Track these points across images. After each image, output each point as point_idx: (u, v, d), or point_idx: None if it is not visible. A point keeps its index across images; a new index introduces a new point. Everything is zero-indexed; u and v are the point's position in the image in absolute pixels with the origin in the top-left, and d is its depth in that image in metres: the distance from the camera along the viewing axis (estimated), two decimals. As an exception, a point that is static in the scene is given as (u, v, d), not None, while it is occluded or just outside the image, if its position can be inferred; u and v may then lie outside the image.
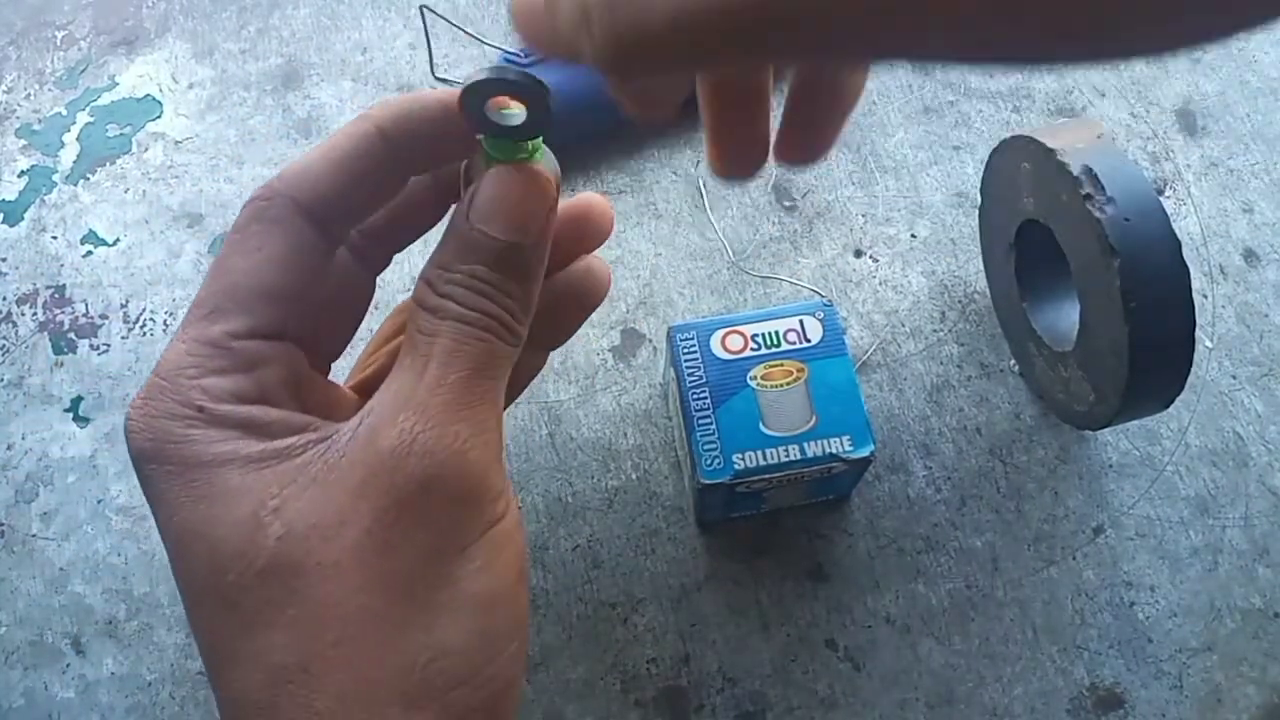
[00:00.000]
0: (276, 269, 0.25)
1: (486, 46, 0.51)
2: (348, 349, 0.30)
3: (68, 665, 0.40)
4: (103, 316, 0.46)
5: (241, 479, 0.23)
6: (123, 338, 0.46)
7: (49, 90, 0.51)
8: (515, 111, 0.25)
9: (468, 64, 0.51)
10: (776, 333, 0.38)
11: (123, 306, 0.46)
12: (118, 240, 0.48)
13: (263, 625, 0.22)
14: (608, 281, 0.31)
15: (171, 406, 0.24)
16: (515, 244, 0.25)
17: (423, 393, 0.24)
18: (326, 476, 0.23)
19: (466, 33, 0.29)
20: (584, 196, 0.30)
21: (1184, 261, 0.34)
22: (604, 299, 0.31)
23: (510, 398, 0.31)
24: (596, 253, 0.32)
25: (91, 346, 0.45)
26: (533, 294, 0.26)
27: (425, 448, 0.23)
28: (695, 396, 0.37)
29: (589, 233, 0.31)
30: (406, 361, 0.25)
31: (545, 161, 0.26)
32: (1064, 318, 0.41)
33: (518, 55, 0.47)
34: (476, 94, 0.24)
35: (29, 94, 0.51)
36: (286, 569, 0.22)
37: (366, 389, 0.29)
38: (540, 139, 0.26)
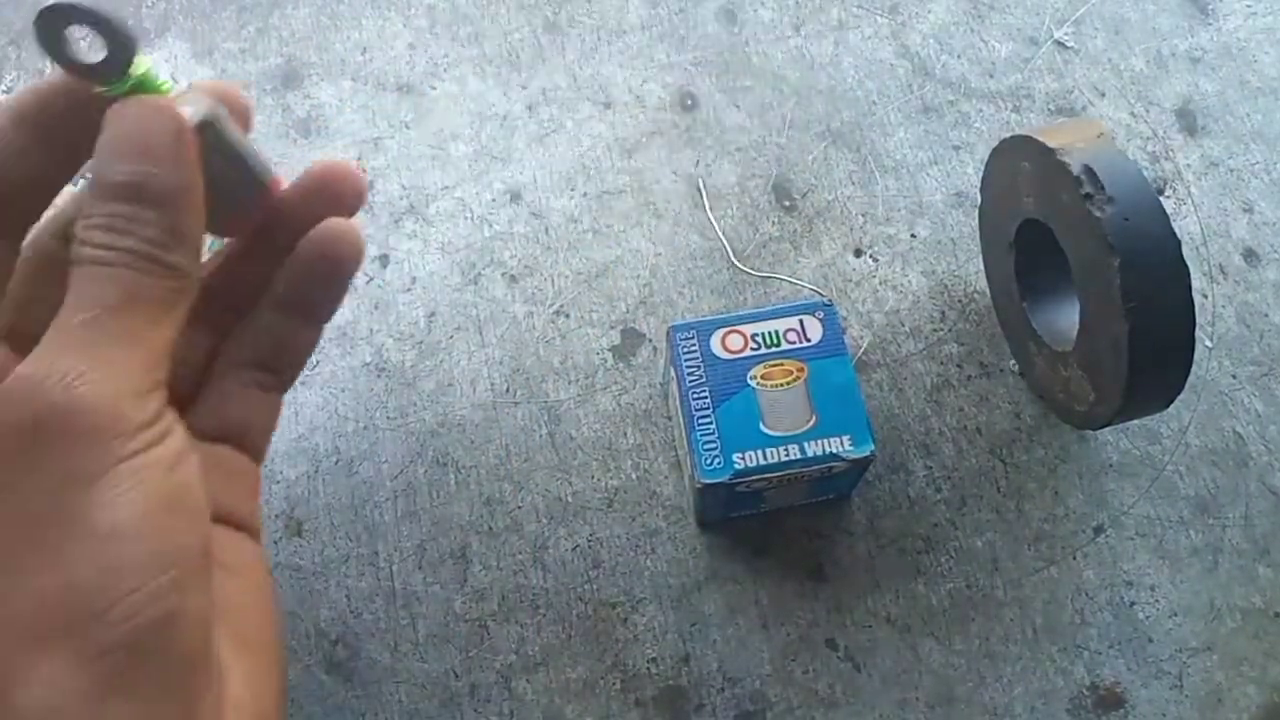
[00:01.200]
0: None
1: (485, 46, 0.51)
2: None
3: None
4: (102, 316, 0.46)
5: None
6: (122, 337, 0.46)
7: (49, 90, 0.51)
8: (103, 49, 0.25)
9: (466, 64, 0.51)
10: (776, 332, 0.38)
11: (122, 306, 0.46)
12: (117, 240, 0.48)
13: None
14: (356, 243, 0.30)
15: None
16: (142, 171, 0.25)
17: (45, 338, 0.24)
18: None
19: None
20: (325, 160, 0.30)
21: (1184, 261, 0.34)
22: (358, 262, 0.30)
23: (289, 376, 0.31)
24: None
25: (91, 346, 0.45)
26: (181, 221, 0.25)
27: (28, 387, 0.23)
28: (695, 396, 0.37)
29: (332, 196, 0.30)
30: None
31: (195, 105, 0.26)
32: (1064, 317, 0.41)
33: None
34: (48, 25, 0.25)
35: (29, 94, 0.51)
36: None
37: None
38: (150, 70, 0.26)
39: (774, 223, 0.48)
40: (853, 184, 0.48)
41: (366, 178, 0.30)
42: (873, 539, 0.41)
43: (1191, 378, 0.37)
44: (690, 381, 0.37)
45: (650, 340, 0.45)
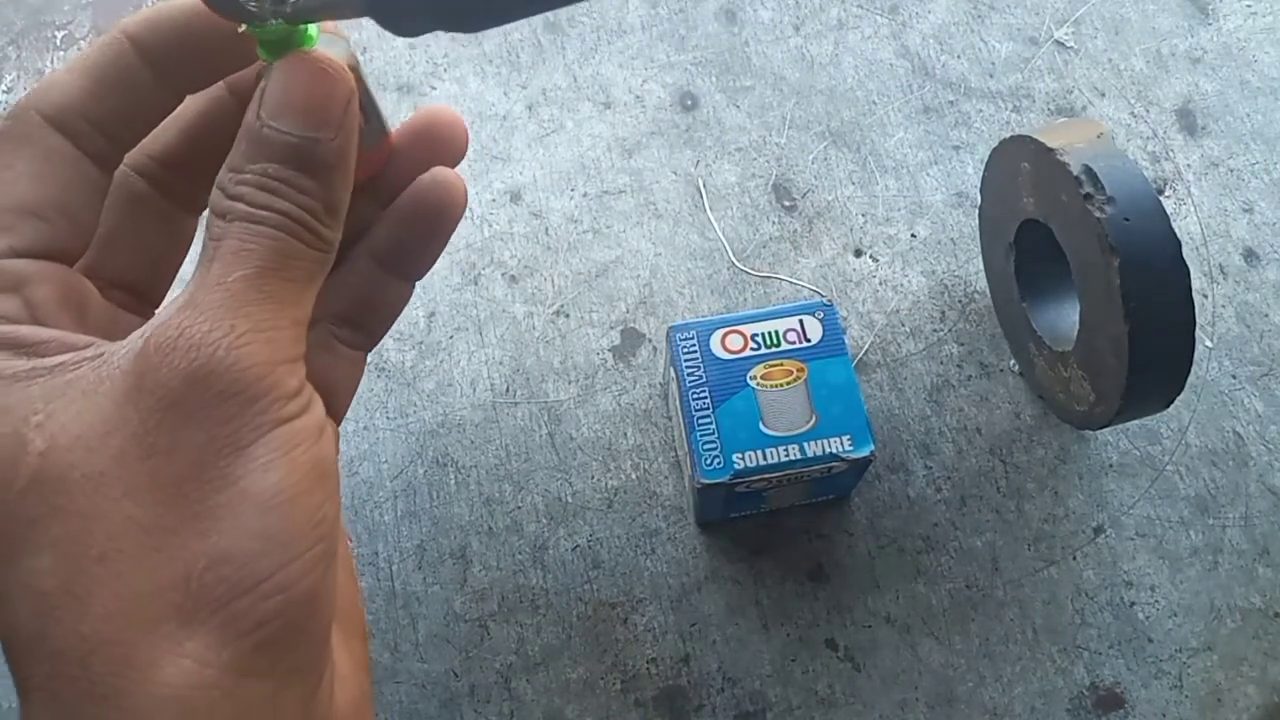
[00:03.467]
0: (31, 185, 0.24)
1: None
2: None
3: (68, 665, 0.40)
4: (103, 316, 0.46)
5: (3, 397, 0.22)
6: (123, 337, 0.46)
7: (49, 90, 0.51)
8: None
9: (466, 64, 0.51)
10: (776, 332, 0.38)
11: (123, 306, 0.46)
12: (118, 240, 0.48)
13: (29, 549, 0.21)
14: (462, 194, 0.29)
15: None
16: (310, 138, 0.24)
17: (200, 293, 0.23)
18: (98, 388, 0.22)
19: None
20: (430, 107, 0.29)
21: (1184, 261, 0.34)
22: (460, 214, 0.29)
23: (376, 334, 0.30)
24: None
25: (91, 346, 0.45)
26: (337, 193, 0.24)
27: (192, 341, 0.22)
28: (695, 396, 0.37)
29: (438, 145, 0.29)
30: (195, 271, 0.23)
31: (336, 49, 0.25)
32: (1064, 317, 0.41)
33: None
34: None
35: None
36: (49, 485, 0.21)
37: None
38: (313, 24, 0.25)
39: (774, 223, 0.48)
40: (853, 184, 0.48)
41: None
42: (873, 539, 0.41)
43: (1191, 378, 0.37)
44: (690, 382, 0.37)
45: (650, 340, 0.45)
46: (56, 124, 0.24)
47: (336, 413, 0.29)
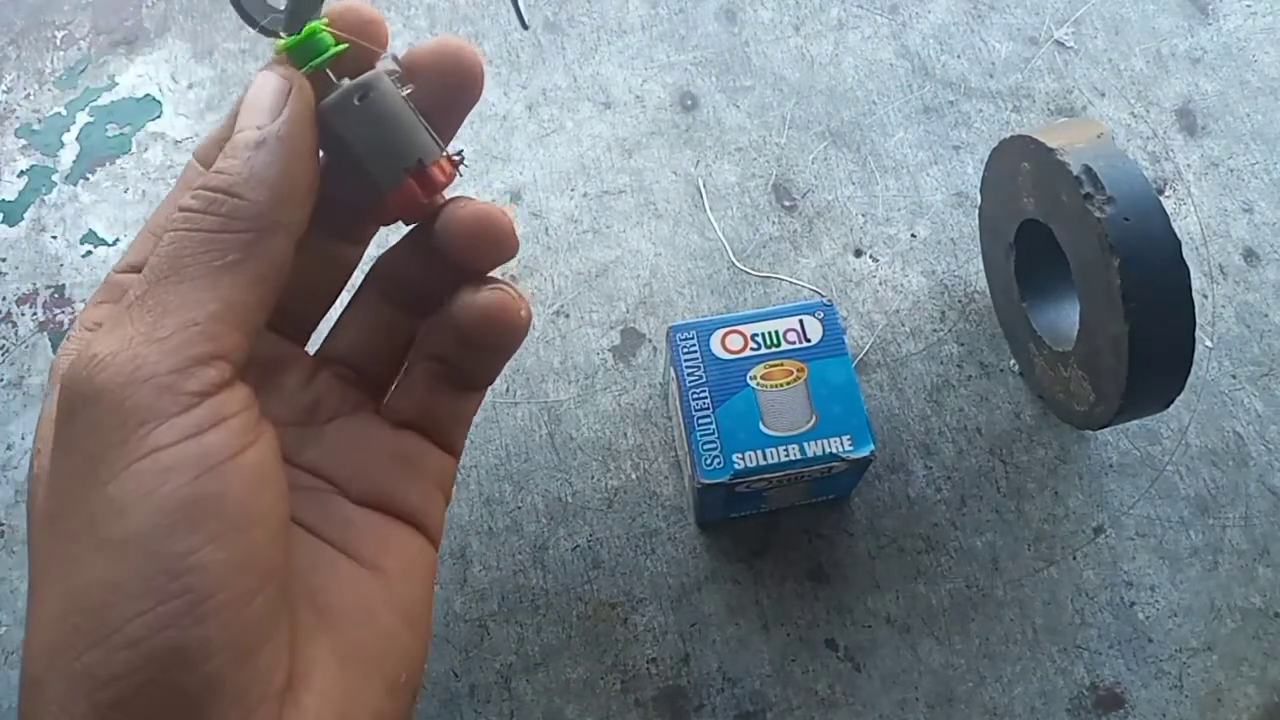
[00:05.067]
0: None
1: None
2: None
3: (68, 665, 0.40)
4: (102, 316, 0.46)
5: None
6: (122, 338, 0.46)
7: (49, 90, 0.51)
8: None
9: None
10: (776, 332, 0.38)
11: (122, 306, 0.46)
12: (117, 240, 0.48)
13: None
14: (527, 314, 0.26)
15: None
16: (240, 127, 0.23)
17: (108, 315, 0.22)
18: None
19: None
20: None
21: (1184, 261, 0.34)
22: (524, 334, 0.26)
23: (479, 380, 0.28)
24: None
25: (91, 346, 0.45)
26: (259, 166, 0.23)
27: (68, 370, 0.21)
28: (695, 396, 0.37)
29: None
30: None
31: (384, 64, 0.25)
32: (1064, 317, 0.41)
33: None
34: None
35: (29, 94, 0.51)
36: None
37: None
38: (316, 27, 0.24)
39: (774, 223, 0.48)
40: (853, 184, 0.48)
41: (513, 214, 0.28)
42: (873, 539, 0.41)
43: (1191, 378, 0.37)
44: (690, 382, 0.37)
45: (650, 340, 0.45)
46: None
47: (448, 444, 0.28)
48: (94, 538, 0.20)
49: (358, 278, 0.29)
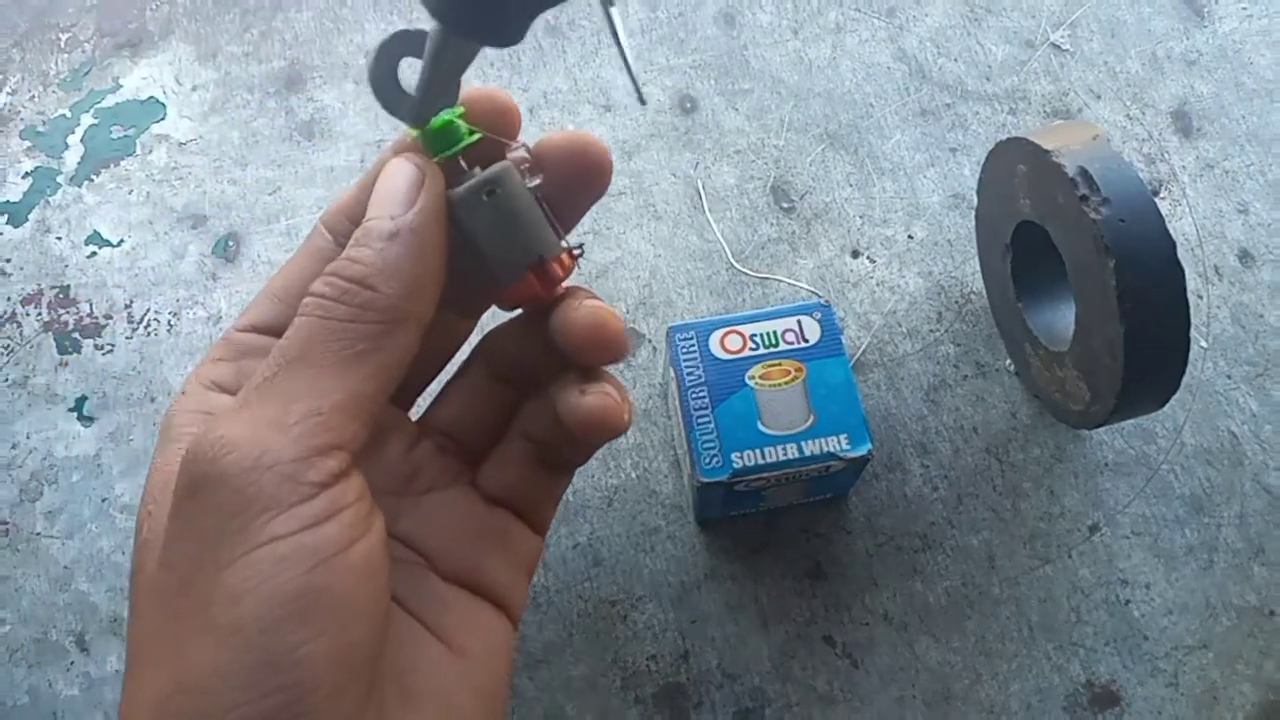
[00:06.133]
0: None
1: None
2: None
3: (72, 663, 0.40)
4: (107, 317, 0.46)
5: None
6: (127, 338, 0.46)
7: (53, 92, 0.52)
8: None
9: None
10: (775, 333, 0.39)
11: (127, 307, 0.47)
12: (122, 241, 0.48)
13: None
14: (628, 416, 0.27)
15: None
16: (372, 218, 0.24)
17: (240, 395, 0.22)
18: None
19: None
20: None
21: (1179, 262, 0.34)
22: (623, 429, 0.27)
23: (572, 462, 0.29)
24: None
25: (96, 347, 0.46)
26: (391, 257, 0.23)
27: (196, 449, 0.21)
28: (694, 396, 0.38)
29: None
30: None
31: (515, 154, 0.25)
32: (1060, 318, 0.41)
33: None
34: (384, 59, 0.24)
35: (33, 96, 0.52)
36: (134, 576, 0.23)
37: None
38: (451, 118, 0.25)
39: (772, 224, 0.48)
40: (850, 186, 0.49)
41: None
42: (870, 537, 0.42)
43: (1186, 378, 0.37)
44: (689, 381, 0.38)
45: (650, 340, 0.46)
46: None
47: (536, 522, 0.28)
48: (206, 621, 0.20)
49: (466, 348, 0.30)
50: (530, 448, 0.28)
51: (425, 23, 0.24)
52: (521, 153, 0.26)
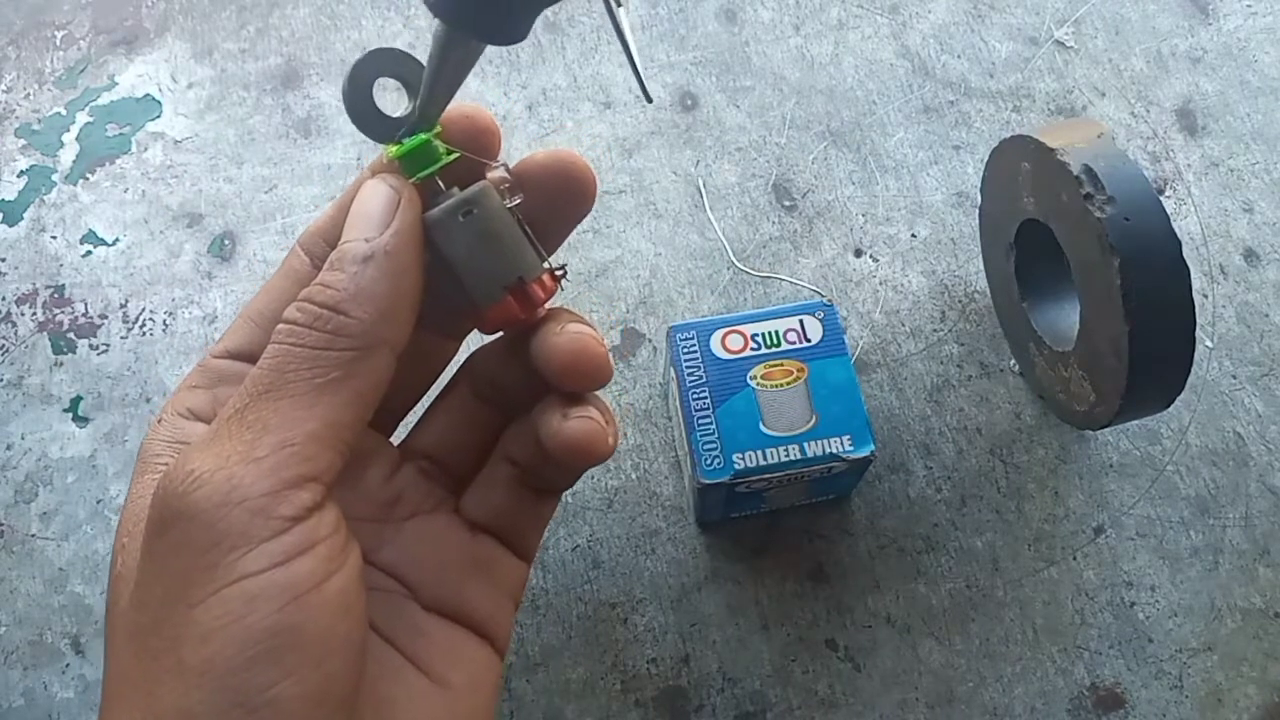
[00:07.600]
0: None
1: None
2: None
3: (67, 665, 0.40)
4: (102, 316, 0.46)
5: None
6: (122, 337, 0.46)
7: (48, 90, 0.51)
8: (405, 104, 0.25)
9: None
10: (776, 332, 0.38)
11: (122, 306, 0.46)
12: (117, 240, 0.48)
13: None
14: (613, 442, 0.26)
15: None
16: (345, 241, 0.23)
17: (206, 430, 0.22)
18: None
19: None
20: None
21: (1184, 261, 0.34)
22: (608, 454, 0.26)
23: (557, 486, 0.28)
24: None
25: (91, 346, 0.45)
26: (366, 281, 0.23)
27: (164, 484, 0.21)
28: (695, 396, 0.37)
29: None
30: None
31: (494, 174, 0.25)
32: (1064, 317, 0.41)
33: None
34: (359, 80, 0.24)
35: (28, 94, 0.51)
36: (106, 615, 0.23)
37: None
38: (427, 138, 0.25)
39: (774, 223, 0.48)
40: (853, 184, 0.48)
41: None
42: (873, 539, 0.41)
43: (1192, 378, 0.37)
44: (690, 382, 0.37)
45: (650, 340, 0.45)
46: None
47: (522, 550, 0.28)
48: (177, 661, 0.20)
49: (452, 368, 0.29)
50: (515, 472, 0.28)
51: (425, 20, 0.24)
52: (501, 172, 0.26)
